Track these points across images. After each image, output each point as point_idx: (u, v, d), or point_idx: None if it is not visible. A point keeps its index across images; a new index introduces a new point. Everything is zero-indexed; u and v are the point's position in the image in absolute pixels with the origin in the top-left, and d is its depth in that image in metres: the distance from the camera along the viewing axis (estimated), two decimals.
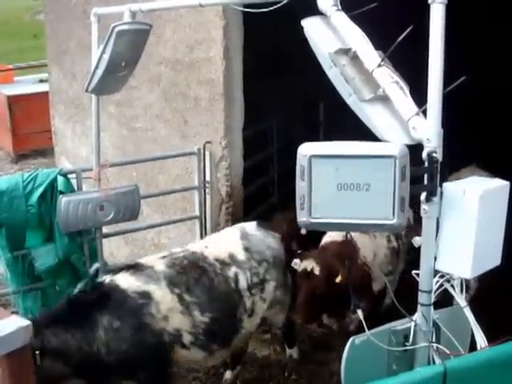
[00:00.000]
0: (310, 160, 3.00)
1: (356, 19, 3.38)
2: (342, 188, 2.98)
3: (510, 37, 9.28)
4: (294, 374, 6.02)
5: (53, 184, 5.64)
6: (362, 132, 3.19)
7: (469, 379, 3.10)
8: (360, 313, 3.50)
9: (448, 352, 3.37)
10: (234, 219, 6.70)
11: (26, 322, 2.54)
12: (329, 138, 3.24)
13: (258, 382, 6.00)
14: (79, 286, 5.65)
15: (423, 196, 3.21)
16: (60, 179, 5.71)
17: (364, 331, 3.37)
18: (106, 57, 4.83)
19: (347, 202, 3.00)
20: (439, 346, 3.40)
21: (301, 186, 3.03)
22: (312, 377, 6.00)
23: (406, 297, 3.56)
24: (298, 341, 6.27)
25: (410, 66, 4.15)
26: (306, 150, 3.03)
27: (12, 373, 2.50)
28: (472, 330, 3.41)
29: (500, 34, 9.67)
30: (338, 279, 5.19)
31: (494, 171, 5.33)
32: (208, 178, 6.62)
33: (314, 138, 6.99)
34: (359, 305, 3.62)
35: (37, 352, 3.98)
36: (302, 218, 3.07)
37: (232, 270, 5.14)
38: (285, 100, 8.72)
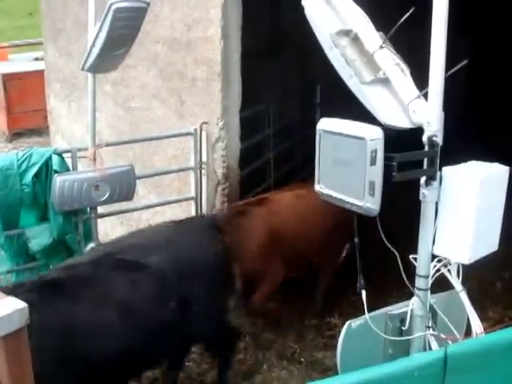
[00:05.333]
0: (320, 134, 3.25)
1: (357, 0, 3.34)
2: (338, 163, 3.18)
3: None
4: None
5: (47, 163, 5.59)
6: (359, 114, 3.16)
7: (470, 364, 3.08)
8: (363, 294, 3.45)
9: (444, 337, 3.37)
10: (230, 201, 6.67)
11: (22, 304, 2.50)
12: None
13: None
14: None
15: (423, 180, 3.19)
16: (55, 158, 5.65)
17: None
18: (103, 35, 4.78)
19: (339, 177, 3.18)
20: (436, 331, 3.40)
21: (315, 157, 3.33)
22: None
23: None
24: None
25: (412, 49, 4.10)
26: (321, 124, 3.29)
27: (8, 356, 2.47)
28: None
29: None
30: None
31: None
32: (204, 158, 6.57)
33: (311, 120, 6.94)
34: (364, 285, 3.54)
35: None
36: (316, 185, 3.35)
37: None
38: (282, 81, 8.66)
